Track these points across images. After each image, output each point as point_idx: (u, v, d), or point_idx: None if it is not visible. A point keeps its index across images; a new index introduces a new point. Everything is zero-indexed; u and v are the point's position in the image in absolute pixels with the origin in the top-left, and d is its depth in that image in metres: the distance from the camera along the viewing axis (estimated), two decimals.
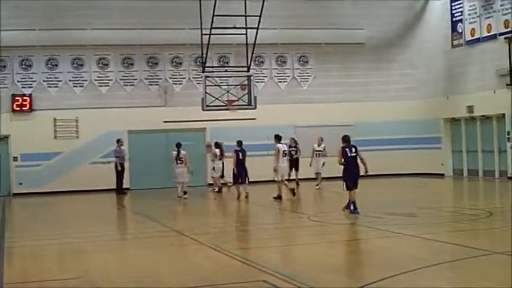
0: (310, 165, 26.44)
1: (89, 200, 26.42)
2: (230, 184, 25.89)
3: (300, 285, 9.27)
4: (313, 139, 26.70)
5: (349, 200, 17.45)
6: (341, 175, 17.84)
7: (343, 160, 17.54)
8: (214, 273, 10.65)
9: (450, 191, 26.75)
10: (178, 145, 24.77)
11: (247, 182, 23.08)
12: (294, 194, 22.55)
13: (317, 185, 26.10)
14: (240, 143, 23.53)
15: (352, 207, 17.34)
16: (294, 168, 27.01)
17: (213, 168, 26.52)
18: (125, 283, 10.17)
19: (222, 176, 26.55)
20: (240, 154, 23.18)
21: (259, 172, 26.16)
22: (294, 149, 27.19)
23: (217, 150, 26.28)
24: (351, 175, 17.52)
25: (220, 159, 26.30)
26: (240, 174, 23.00)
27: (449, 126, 31.12)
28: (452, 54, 30.34)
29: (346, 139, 17.82)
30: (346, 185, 17.53)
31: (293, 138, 27.80)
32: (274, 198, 22.14)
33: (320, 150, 26.26)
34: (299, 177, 27.40)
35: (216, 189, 26.42)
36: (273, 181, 22.85)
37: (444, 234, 13.86)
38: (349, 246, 13.11)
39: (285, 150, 22.89)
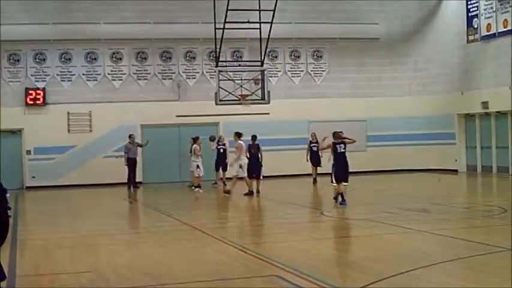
0: (329, 160, 25.64)
1: (101, 193, 26.48)
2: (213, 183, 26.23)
3: (313, 280, 9.22)
4: (327, 134, 26.21)
5: (337, 192, 18.48)
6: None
7: (332, 154, 19.03)
8: (227, 267, 10.61)
9: (464, 187, 26.60)
10: (194, 138, 25.03)
11: (260, 177, 22.98)
12: (229, 192, 22.59)
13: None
14: (254, 137, 23.43)
15: (340, 199, 18.32)
16: (315, 164, 26.66)
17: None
18: (136, 277, 10.15)
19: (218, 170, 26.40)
20: (253, 149, 23.12)
21: (272, 167, 26.15)
22: (315, 144, 26.65)
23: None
24: (340, 170, 18.63)
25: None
26: (251, 169, 22.93)
27: (464, 122, 30.95)
28: (467, 49, 30.14)
29: (337, 136, 18.88)
30: (334, 179, 18.72)
31: (314, 133, 27.23)
32: (245, 194, 22.46)
33: None
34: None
35: (190, 185, 26.24)
36: (286, 176, 22.78)
37: (458, 231, 13.78)
38: (362, 242, 13.04)
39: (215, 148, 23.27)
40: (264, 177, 23.31)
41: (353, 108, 31.49)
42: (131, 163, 27.53)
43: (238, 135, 23.32)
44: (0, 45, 28.55)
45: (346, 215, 17.17)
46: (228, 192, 22.74)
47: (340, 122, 28.21)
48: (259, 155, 23.05)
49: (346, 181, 18.74)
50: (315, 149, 26.55)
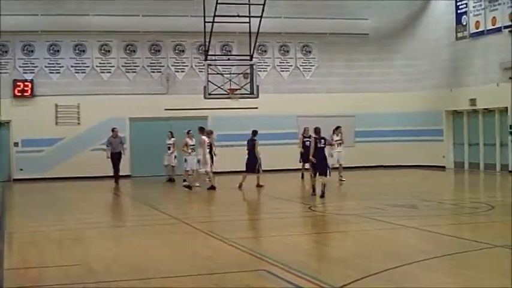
0: (332, 156, 25.48)
1: (89, 186, 26.40)
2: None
3: (302, 276, 9.24)
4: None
5: (322, 184, 19.44)
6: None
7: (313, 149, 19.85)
8: (215, 261, 10.62)
9: (451, 184, 26.70)
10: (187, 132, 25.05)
11: (255, 171, 23.15)
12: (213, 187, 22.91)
13: (341, 177, 24.91)
14: (254, 133, 23.53)
15: (319, 191, 19.46)
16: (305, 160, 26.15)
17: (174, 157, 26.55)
18: (124, 270, 10.15)
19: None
20: (251, 144, 23.34)
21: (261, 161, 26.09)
22: (308, 139, 25.94)
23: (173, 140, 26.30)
24: (319, 163, 19.63)
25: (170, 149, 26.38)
26: (248, 164, 23.16)
27: (452, 118, 31.04)
28: (456, 46, 30.22)
29: (317, 131, 20.00)
30: (312, 172, 20.17)
31: (308, 128, 25.62)
32: (208, 188, 22.75)
33: (339, 140, 25.20)
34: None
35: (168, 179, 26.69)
36: (274, 170, 22.74)
37: (445, 227, 13.84)
38: (350, 237, 13.07)
39: (208, 143, 23.39)
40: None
41: (342, 103, 31.51)
42: (114, 157, 27.00)
43: (202, 130, 23.54)
44: None
45: (335, 210, 17.22)
46: (212, 187, 22.84)
47: (328, 117, 28.29)
48: (255, 151, 23.20)
49: (326, 175, 19.53)
50: (307, 143, 25.74)
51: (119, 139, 27.28)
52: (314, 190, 19.90)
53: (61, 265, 10.60)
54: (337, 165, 25.03)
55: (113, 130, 27.34)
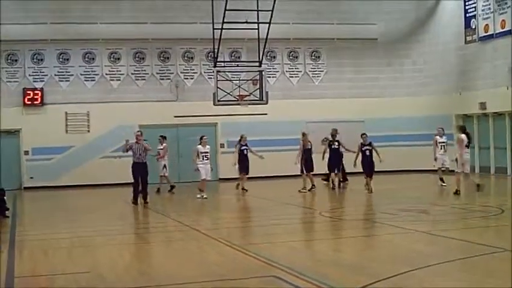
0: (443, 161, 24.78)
1: (99, 194, 26.43)
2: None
3: (312, 281, 9.22)
4: (324, 135, 25.58)
5: (331, 181, 24.01)
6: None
7: (328, 150, 23.83)
8: (225, 268, 10.60)
9: (462, 188, 26.53)
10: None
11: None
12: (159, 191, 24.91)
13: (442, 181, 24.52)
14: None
15: (333, 185, 23.95)
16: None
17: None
18: (134, 277, 10.15)
19: None
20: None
21: (270, 167, 26.11)
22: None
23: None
24: (333, 162, 23.86)
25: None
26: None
27: (462, 122, 30.89)
28: (465, 50, 30.15)
29: (333, 134, 24.03)
30: (328, 169, 24.04)
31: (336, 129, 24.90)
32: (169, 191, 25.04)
33: (443, 142, 25.00)
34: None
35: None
36: (284, 176, 22.71)
37: (456, 231, 13.77)
38: (361, 242, 13.04)
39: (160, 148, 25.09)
40: (261, 177, 23.45)
41: (351, 108, 31.47)
42: (139, 169, 21.53)
43: (163, 137, 25.38)
44: None
45: (345, 215, 17.17)
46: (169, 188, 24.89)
47: (338, 122, 28.18)
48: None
49: (336, 171, 23.96)
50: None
51: (141, 146, 21.60)
52: (333, 185, 23.82)
53: (71, 272, 10.60)
54: (444, 168, 24.88)
55: (137, 135, 22.03)
